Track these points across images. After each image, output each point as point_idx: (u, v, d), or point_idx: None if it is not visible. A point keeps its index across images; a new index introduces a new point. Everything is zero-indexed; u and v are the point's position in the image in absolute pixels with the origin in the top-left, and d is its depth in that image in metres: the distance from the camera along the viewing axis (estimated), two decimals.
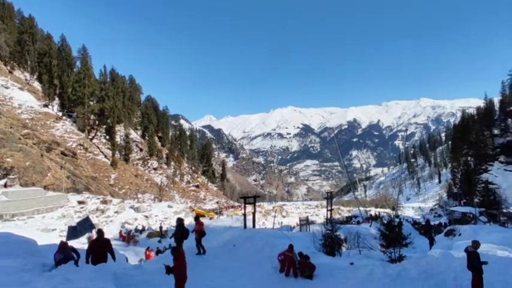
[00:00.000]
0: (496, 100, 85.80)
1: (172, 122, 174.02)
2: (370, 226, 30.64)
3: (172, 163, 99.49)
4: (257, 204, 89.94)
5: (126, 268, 11.25)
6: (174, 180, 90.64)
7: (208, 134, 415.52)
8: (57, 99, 76.61)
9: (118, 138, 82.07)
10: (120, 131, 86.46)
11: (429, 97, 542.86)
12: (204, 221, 42.55)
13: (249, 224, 21.25)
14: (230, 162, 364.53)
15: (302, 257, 12.83)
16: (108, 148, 76.95)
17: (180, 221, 13.74)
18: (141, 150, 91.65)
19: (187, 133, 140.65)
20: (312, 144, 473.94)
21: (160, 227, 36.63)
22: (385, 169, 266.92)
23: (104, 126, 79.95)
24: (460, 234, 24.17)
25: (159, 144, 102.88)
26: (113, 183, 66.31)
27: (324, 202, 48.41)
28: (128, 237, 30.73)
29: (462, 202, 61.55)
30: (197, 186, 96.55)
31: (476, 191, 56.91)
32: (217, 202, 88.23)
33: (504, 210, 39.44)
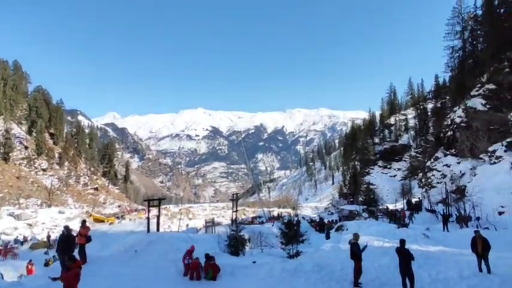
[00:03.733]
0: (377, 114, 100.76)
1: (69, 118, 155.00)
2: (273, 225, 32.36)
3: (67, 163, 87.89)
4: (163, 206, 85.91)
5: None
6: (67, 183, 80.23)
7: (111, 133, 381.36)
8: None
9: None
10: None
11: (327, 107, 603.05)
12: (103, 226, 38.89)
13: (154, 227, 20.22)
14: (135, 163, 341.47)
15: (207, 258, 12.80)
16: None
17: (67, 230, 12.10)
18: (26, 148, 78.47)
19: (87, 131, 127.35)
20: (220, 147, 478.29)
21: (48, 236, 32.07)
22: (288, 172, 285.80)
23: None
24: (347, 229, 27.43)
25: (50, 142, 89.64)
26: None
27: (231, 204, 49.37)
28: (5, 250, 25.96)
29: (349, 201, 70.09)
30: (96, 189, 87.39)
31: (361, 191, 65.68)
32: (119, 206, 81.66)
33: (380, 207, 46.36)
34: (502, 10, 45.54)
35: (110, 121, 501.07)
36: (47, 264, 20.97)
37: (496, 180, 34.01)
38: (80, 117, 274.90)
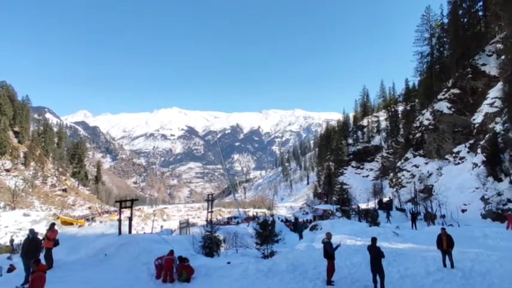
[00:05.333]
0: (351, 115, 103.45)
1: (35, 116, 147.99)
2: (248, 226, 32.45)
3: (33, 163, 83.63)
4: (136, 208, 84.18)
5: None
6: (33, 184, 76.35)
7: (82, 132, 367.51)
8: None
9: None
10: None
11: (302, 108, 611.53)
12: (72, 229, 37.33)
13: (126, 229, 19.68)
14: (107, 163, 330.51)
15: (181, 260, 12.61)
16: None
17: (32, 234, 11.55)
18: None
19: (55, 129, 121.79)
20: (196, 147, 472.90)
21: (11, 240, 30.39)
22: (263, 172, 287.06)
23: None
24: (321, 229, 27.91)
25: (15, 140, 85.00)
26: None
27: (206, 204, 48.92)
28: None
29: (324, 201, 71.43)
30: (65, 190, 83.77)
31: (335, 191, 67.13)
32: (89, 207, 78.81)
33: (353, 206, 47.61)
34: (465, 20, 48.12)
35: (81, 119, 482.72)
36: (10, 269, 19.85)
37: (459, 180, 35.91)
38: (48, 115, 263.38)
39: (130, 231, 20.07)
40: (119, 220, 19.70)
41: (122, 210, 20.16)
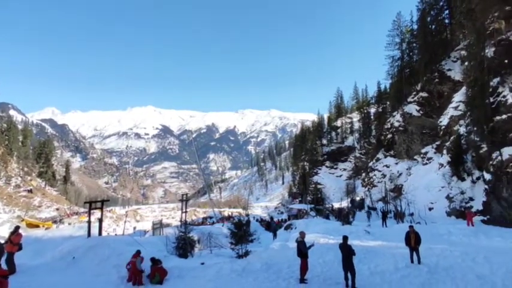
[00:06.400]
0: (326, 116, 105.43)
1: None
2: (223, 226, 32.28)
3: None
4: (108, 209, 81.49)
5: None
6: None
7: (50, 130, 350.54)
8: None
9: None
10: None
11: (278, 108, 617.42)
12: (38, 231, 35.56)
13: (96, 231, 19.03)
14: (77, 162, 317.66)
15: (154, 262, 12.34)
16: None
17: None
18: None
19: (20, 127, 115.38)
20: (171, 146, 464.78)
21: None
22: (239, 172, 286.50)
23: None
24: (295, 228, 28.22)
25: None
26: None
27: (181, 204, 48.13)
28: None
29: (298, 200, 72.32)
30: (30, 191, 79.42)
31: (309, 191, 68.12)
32: (57, 209, 75.15)
33: (327, 205, 48.54)
34: (433, 26, 50.36)
35: (48, 117, 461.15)
36: None
37: (427, 179, 37.52)
38: (12, 112, 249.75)
39: (100, 233, 19.46)
40: (88, 222, 19.09)
41: (91, 211, 19.53)
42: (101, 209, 19.65)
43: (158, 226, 27.48)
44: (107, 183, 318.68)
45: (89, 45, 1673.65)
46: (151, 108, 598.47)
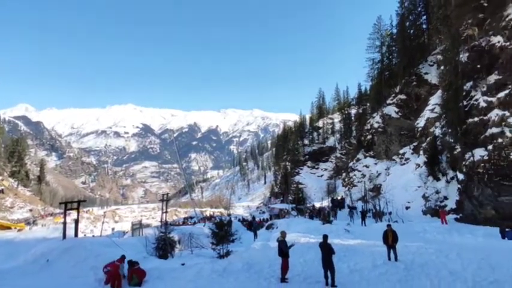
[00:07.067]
0: (307, 117, 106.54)
1: None
2: (204, 226, 32.10)
3: None
4: (85, 209, 79.38)
5: None
6: None
7: (23, 127, 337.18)
8: None
9: None
10: None
11: (260, 108, 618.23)
12: (9, 233, 34.15)
13: (72, 233, 18.53)
14: (52, 161, 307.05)
15: (131, 264, 12.12)
16: None
17: None
18: None
19: None
20: (152, 145, 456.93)
21: None
22: (221, 172, 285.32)
23: None
24: (277, 227, 28.46)
25: None
26: None
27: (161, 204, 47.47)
28: None
29: (280, 200, 72.79)
30: (1, 191, 76.34)
31: (291, 190, 68.70)
32: (30, 210, 72.69)
33: (308, 205, 49.14)
34: (411, 31, 51.90)
35: (22, 114, 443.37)
36: None
37: (404, 179, 38.65)
38: None
39: (76, 235, 18.98)
40: (64, 223, 18.53)
41: (67, 212, 18.96)
42: (78, 209, 19.15)
43: (138, 227, 27.02)
44: (84, 183, 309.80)
45: (66, 40, 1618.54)
46: (132, 106, 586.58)
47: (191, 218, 62.44)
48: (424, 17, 52.12)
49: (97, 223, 63.63)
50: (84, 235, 43.88)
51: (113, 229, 49.51)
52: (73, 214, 23.17)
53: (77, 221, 19.10)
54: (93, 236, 39.84)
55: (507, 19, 25.79)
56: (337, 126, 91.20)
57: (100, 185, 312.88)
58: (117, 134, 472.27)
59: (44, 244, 17.06)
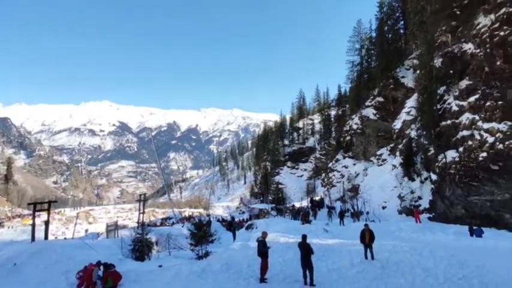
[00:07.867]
0: (288, 117, 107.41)
1: None
2: (183, 226, 31.69)
3: None
4: (57, 210, 76.48)
5: None
6: None
7: None
8: None
9: None
10: None
11: (241, 108, 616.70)
12: None
13: (42, 235, 17.78)
14: (21, 160, 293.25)
15: (106, 267, 11.74)
16: None
17: None
18: None
19: None
20: (129, 144, 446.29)
21: None
22: (201, 171, 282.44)
23: None
24: (257, 228, 28.49)
25: None
26: None
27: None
28: None
29: (260, 200, 72.92)
30: None
31: (271, 190, 68.98)
32: None
33: (288, 205, 49.50)
34: (389, 35, 53.39)
35: None
36: None
37: (381, 180, 39.69)
38: None
39: (46, 237, 18.24)
40: (33, 225, 17.73)
41: (36, 213, 18.18)
42: (48, 210, 18.42)
43: (113, 228, 26.29)
44: (55, 182, 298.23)
45: (36, 32, 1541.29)
46: (108, 103, 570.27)
47: (169, 218, 61.60)
48: (402, 22, 53.71)
49: (69, 225, 61.49)
50: (55, 237, 42.38)
51: (86, 231, 48.01)
52: (43, 215, 22.30)
53: (47, 223, 18.36)
54: (65, 238, 38.56)
55: (477, 27, 26.97)
56: (317, 127, 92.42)
57: (73, 185, 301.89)
58: (92, 132, 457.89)
59: (11, 247, 16.28)
